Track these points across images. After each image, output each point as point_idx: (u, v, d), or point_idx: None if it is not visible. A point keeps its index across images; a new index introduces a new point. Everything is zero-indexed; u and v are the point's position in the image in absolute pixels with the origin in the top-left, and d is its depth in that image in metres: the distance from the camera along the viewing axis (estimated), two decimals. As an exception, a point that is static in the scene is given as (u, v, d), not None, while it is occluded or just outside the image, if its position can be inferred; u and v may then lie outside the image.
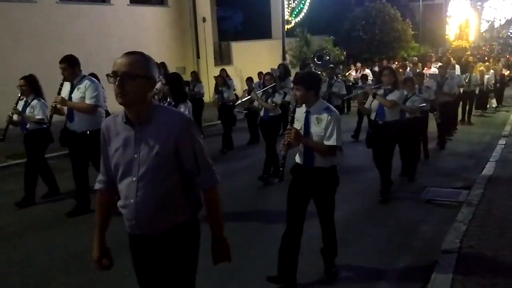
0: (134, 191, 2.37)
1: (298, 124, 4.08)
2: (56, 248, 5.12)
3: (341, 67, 19.54)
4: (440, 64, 17.50)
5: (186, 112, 5.25)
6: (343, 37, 26.16)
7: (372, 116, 6.67)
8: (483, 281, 4.04)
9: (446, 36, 32.99)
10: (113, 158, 2.44)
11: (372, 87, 6.96)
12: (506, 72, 17.56)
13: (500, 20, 36.22)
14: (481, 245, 4.75)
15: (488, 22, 36.10)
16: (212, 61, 19.95)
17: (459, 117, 12.80)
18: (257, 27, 25.77)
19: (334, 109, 4.08)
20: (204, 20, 19.23)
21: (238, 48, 21.77)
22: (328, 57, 17.18)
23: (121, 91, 2.26)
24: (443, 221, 5.68)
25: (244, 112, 10.12)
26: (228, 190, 7.08)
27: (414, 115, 7.54)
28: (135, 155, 2.36)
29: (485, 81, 14.55)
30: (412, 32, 27.81)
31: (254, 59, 19.78)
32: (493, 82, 15.31)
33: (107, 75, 2.30)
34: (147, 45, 16.94)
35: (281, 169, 4.17)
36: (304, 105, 4.10)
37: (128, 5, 16.77)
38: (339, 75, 14.81)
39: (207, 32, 19.59)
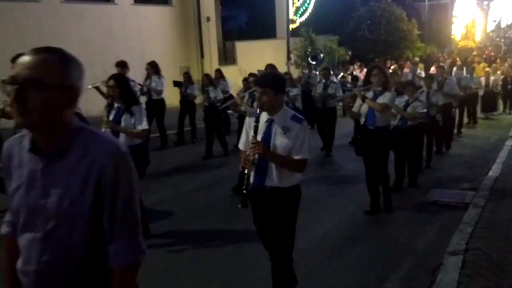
0: (37, 254, 1.61)
1: (258, 136, 3.44)
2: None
3: (339, 67, 19.15)
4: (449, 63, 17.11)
5: (144, 118, 4.93)
6: (348, 37, 26.10)
7: (362, 121, 6.06)
8: (488, 283, 4.01)
9: (452, 36, 32.85)
10: (14, 199, 1.66)
11: (361, 88, 6.26)
12: None
13: (507, 19, 36.06)
14: (487, 247, 4.72)
15: (494, 22, 35.93)
16: (216, 60, 19.96)
17: (465, 120, 12.44)
18: (261, 26, 25.77)
19: (301, 116, 3.56)
20: (208, 19, 19.24)
21: (243, 48, 21.76)
22: (322, 56, 17.07)
23: (21, 107, 1.50)
24: (448, 222, 5.64)
25: (236, 114, 9.52)
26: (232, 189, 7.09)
27: (416, 121, 7.00)
28: (41, 201, 1.59)
29: (491, 83, 14.08)
30: (418, 32, 27.72)
31: (258, 58, 19.73)
32: (501, 83, 14.72)
33: (3, 81, 1.54)
34: (151, 45, 17.04)
35: (244, 191, 3.43)
36: (265, 113, 3.47)
37: (132, 4, 16.81)
38: (337, 76, 14.47)
39: (211, 32, 19.60)
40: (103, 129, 4.71)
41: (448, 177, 7.72)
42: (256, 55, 20.47)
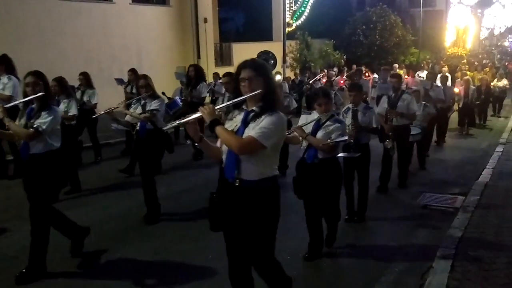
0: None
1: None
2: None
3: (307, 74, 17.46)
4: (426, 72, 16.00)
5: None
6: (344, 41, 26.27)
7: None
8: (477, 287, 4.07)
9: (444, 43, 32.97)
10: None
11: (221, 106, 3.40)
12: (502, 83, 15.76)
13: (500, 28, 36.33)
14: (476, 252, 4.79)
15: (488, 30, 36.18)
16: (212, 61, 20.01)
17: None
18: (258, 29, 25.88)
19: None
20: (205, 20, 19.27)
21: (239, 50, 21.83)
22: (272, 61, 15.30)
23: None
24: (439, 226, 5.71)
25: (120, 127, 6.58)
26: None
27: (331, 154, 4.66)
28: None
29: (470, 93, 12.54)
30: (412, 38, 27.93)
31: (254, 60, 19.83)
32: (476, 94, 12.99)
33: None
34: (148, 44, 17.07)
35: None
36: None
37: (130, 4, 16.81)
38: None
39: (208, 33, 19.63)
40: None
41: (438, 182, 7.80)
42: (252, 57, 20.53)
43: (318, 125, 4.63)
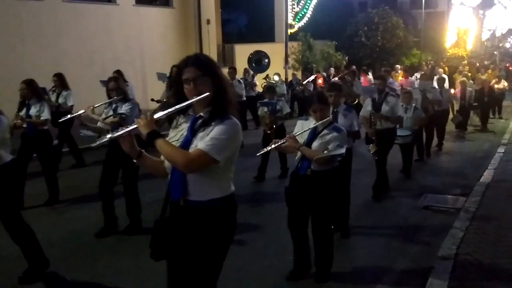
0: None
1: None
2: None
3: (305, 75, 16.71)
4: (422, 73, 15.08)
5: None
6: (346, 42, 26.31)
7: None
8: (478, 288, 4.10)
9: (445, 44, 32.87)
10: None
11: (161, 113, 2.64)
12: (502, 84, 15.52)
13: (502, 29, 36.29)
14: (478, 253, 4.81)
15: (489, 31, 36.13)
16: (215, 63, 20.10)
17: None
18: (260, 30, 25.96)
19: None
20: (208, 22, 19.32)
21: (242, 51, 21.85)
22: (267, 60, 14.59)
23: None
24: (440, 227, 5.73)
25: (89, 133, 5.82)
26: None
27: (325, 167, 4.15)
28: None
29: (467, 95, 12.17)
30: (414, 39, 27.93)
31: (257, 62, 19.88)
32: (474, 96, 12.64)
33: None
34: (151, 45, 17.13)
35: None
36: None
37: (133, 5, 16.87)
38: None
39: (211, 34, 19.69)
40: None
41: (440, 183, 7.82)
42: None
43: (314, 134, 4.16)
